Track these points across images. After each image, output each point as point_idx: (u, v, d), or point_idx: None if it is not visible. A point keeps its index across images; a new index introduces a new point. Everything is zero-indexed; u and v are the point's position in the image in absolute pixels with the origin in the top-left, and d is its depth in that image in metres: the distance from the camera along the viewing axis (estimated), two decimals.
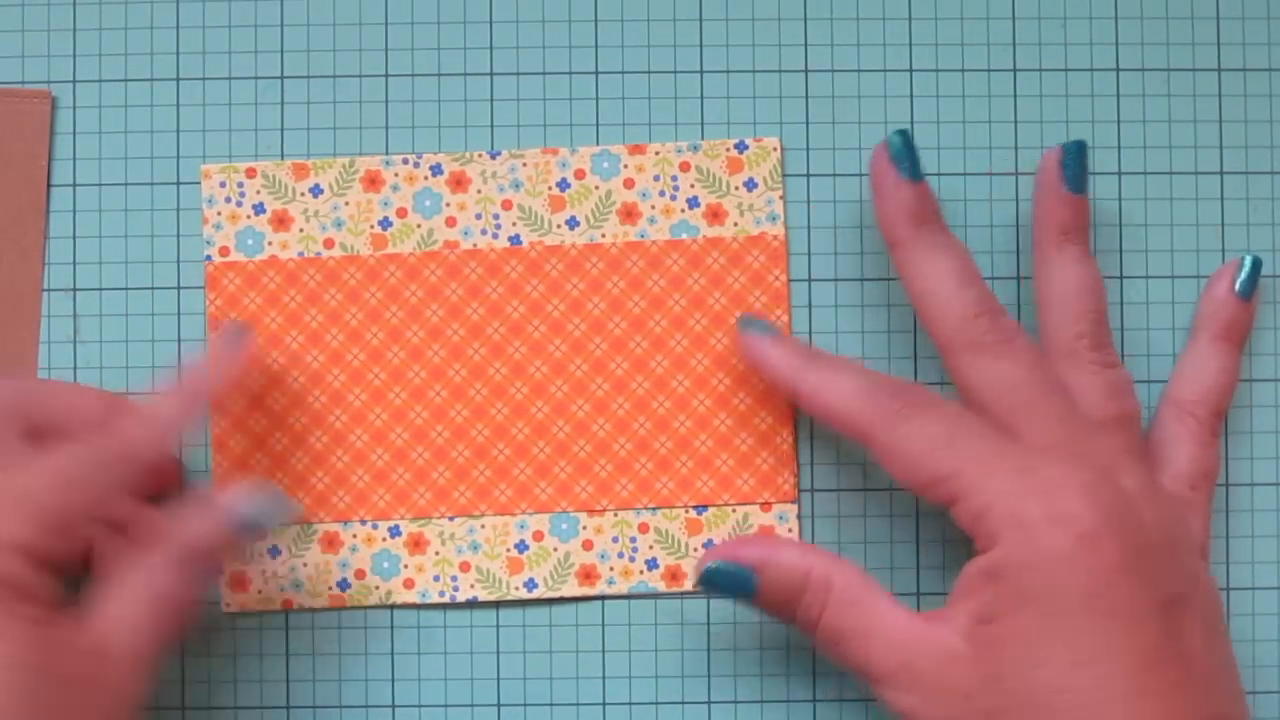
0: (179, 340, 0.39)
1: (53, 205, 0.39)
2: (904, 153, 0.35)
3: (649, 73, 0.39)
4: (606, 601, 0.39)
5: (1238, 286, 0.38)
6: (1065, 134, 0.39)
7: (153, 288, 0.39)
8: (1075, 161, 0.36)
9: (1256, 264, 0.38)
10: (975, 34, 0.39)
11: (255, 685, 0.39)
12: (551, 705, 0.39)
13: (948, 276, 0.35)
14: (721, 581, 0.35)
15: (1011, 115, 0.39)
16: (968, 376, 0.35)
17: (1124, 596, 0.32)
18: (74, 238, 0.39)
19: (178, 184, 0.39)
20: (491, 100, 0.39)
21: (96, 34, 0.39)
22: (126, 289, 0.39)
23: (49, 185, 0.39)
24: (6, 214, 0.39)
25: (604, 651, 0.39)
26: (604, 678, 0.39)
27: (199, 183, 0.39)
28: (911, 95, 0.39)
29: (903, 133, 0.36)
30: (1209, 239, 0.39)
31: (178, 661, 0.39)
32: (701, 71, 0.39)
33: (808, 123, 0.39)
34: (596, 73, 0.39)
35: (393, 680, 0.39)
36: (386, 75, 0.39)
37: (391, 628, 0.39)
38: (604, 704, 0.39)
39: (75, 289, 0.39)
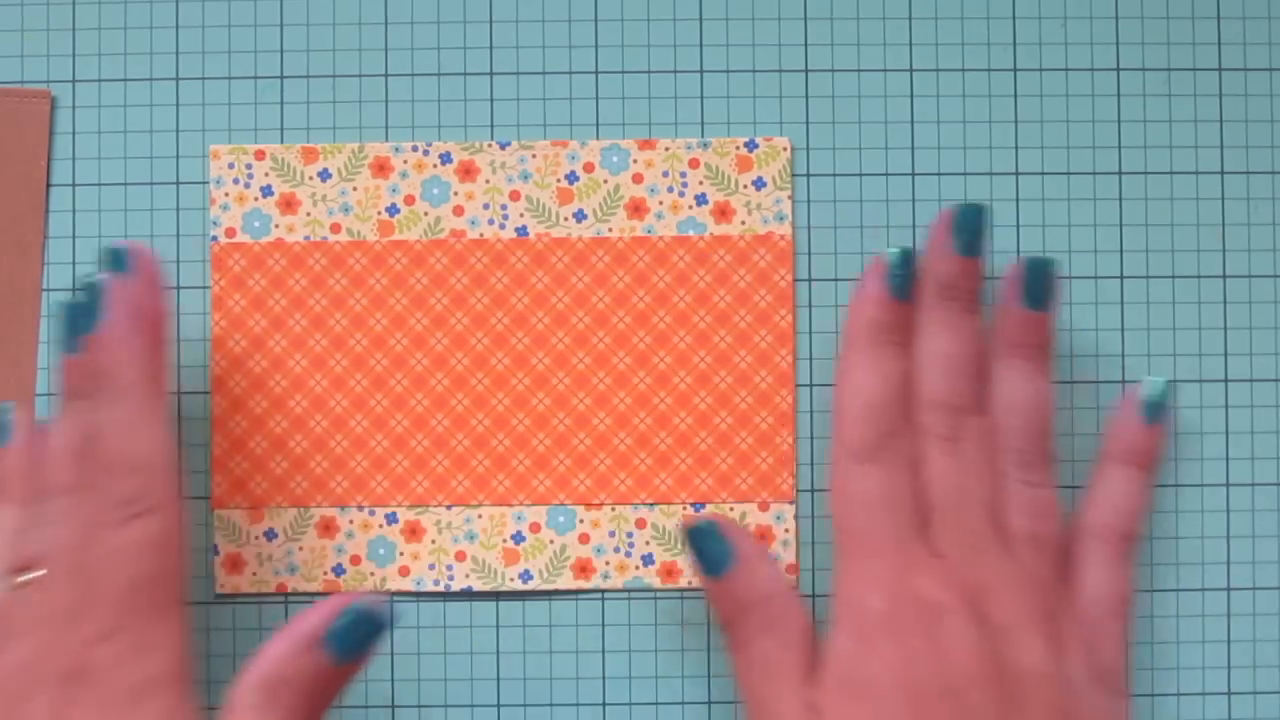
0: (179, 340, 0.39)
1: (52, 205, 0.39)
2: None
3: (649, 72, 0.39)
4: (606, 601, 0.39)
5: (1145, 412, 0.37)
6: (1065, 134, 0.39)
7: None
8: (1036, 277, 0.36)
9: (1162, 391, 0.37)
10: (975, 34, 0.39)
11: None
12: (551, 705, 0.39)
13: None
14: (702, 543, 0.36)
15: (1011, 115, 0.39)
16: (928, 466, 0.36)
17: None
18: (74, 238, 0.39)
19: (177, 184, 0.39)
20: (491, 100, 0.39)
21: (96, 34, 0.39)
22: None
23: (48, 185, 0.39)
24: (6, 213, 0.39)
25: (604, 651, 0.39)
26: (604, 678, 0.39)
27: (200, 183, 0.39)
28: (911, 95, 0.39)
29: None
30: (1209, 239, 0.39)
31: None
32: (701, 71, 0.39)
33: (808, 123, 0.39)
34: (596, 72, 0.39)
35: (392, 680, 0.39)
36: (386, 75, 0.39)
37: (391, 627, 0.39)
38: (604, 704, 0.39)
39: (75, 289, 0.39)
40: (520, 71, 0.39)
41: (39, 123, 0.39)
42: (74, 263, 0.39)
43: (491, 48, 0.39)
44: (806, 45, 0.39)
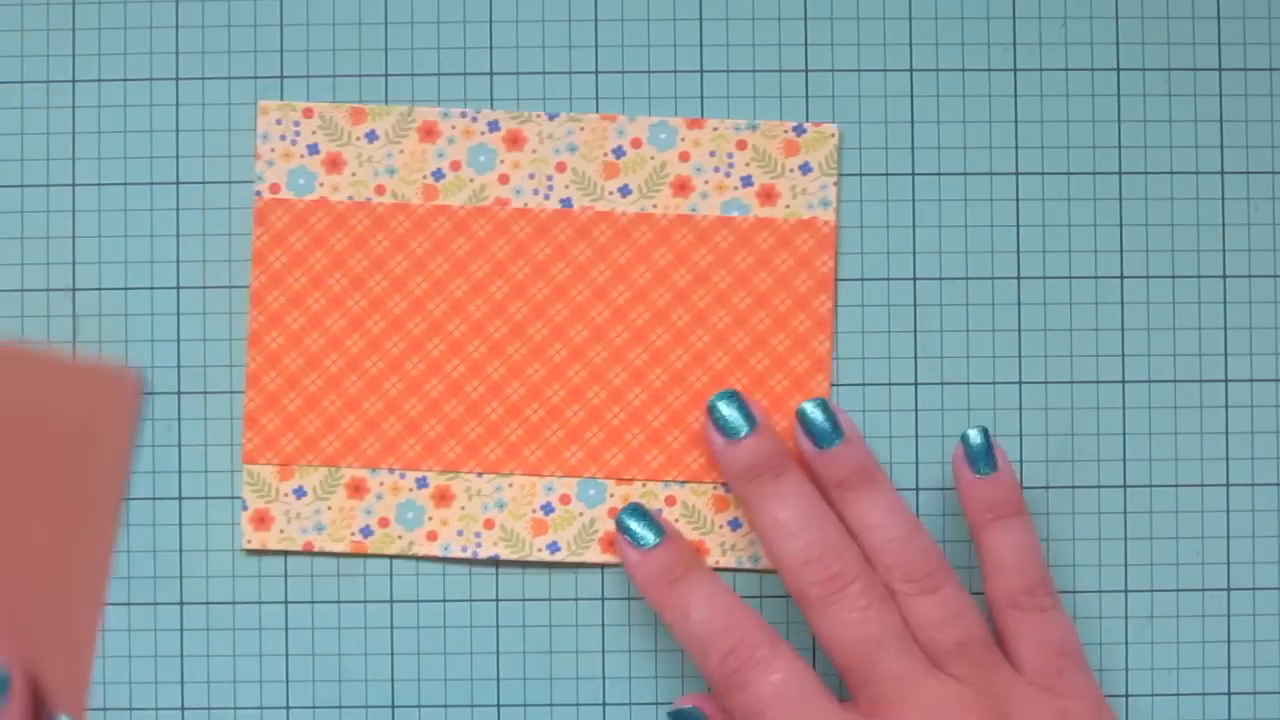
0: (179, 340, 0.39)
1: (52, 205, 0.39)
2: (733, 416, 0.37)
3: (649, 72, 0.39)
4: (607, 601, 0.39)
5: (977, 468, 0.37)
6: (1065, 134, 0.39)
7: (152, 288, 0.39)
8: (817, 421, 0.37)
9: (981, 438, 0.37)
10: (975, 34, 0.39)
11: (255, 686, 0.39)
12: (551, 705, 0.39)
13: (781, 525, 0.36)
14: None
15: (1012, 115, 0.39)
16: (814, 628, 0.35)
17: None
18: (74, 238, 0.39)
19: (177, 184, 0.39)
20: (491, 100, 0.39)
21: (96, 33, 0.39)
22: (126, 289, 0.39)
23: (130, 472, 0.38)
24: (80, 494, 0.38)
25: (604, 652, 0.39)
26: (604, 678, 0.39)
27: (200, 183, 0.39)
28: (911, 95, 0.39)
29: (727, 394, 0.37)
30: (1209, 239, 0.39)
31: (176, 663, 0.39)
32: (701, 71, 0.39)
33: (808, 123, 0.39)
34: (596, 72, 0.39)
35: (392, 680, 0.39)
36: (386, 75, 0.39)
37: (391, 628, 0.39)
38: (604, 704, 0.39)
39: (75, 289, 0.39)
40: (520, 71, 0.39)
41: (126, 404, 0.38)
42: (74, 262, 0.39)
43: (491, 48, 0.39)
44: (806, 45, 0.39)
